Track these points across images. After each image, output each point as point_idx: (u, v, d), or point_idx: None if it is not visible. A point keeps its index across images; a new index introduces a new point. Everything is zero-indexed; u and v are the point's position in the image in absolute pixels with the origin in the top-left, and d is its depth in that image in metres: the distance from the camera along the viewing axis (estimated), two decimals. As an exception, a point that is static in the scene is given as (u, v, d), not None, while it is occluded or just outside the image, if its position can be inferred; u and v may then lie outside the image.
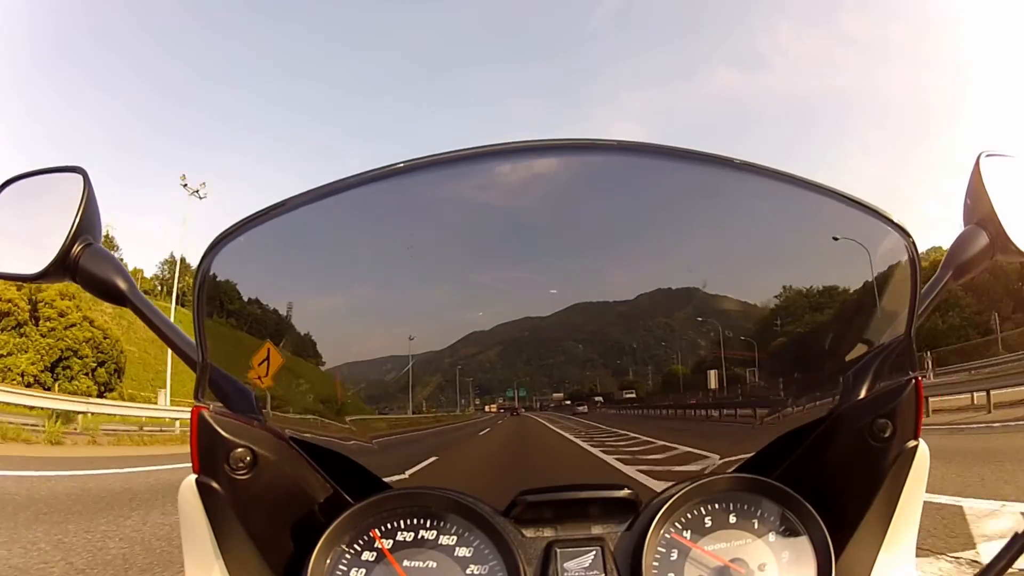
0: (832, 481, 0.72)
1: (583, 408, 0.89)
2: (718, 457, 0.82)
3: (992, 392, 14.45)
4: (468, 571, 0.67)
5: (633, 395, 0.87)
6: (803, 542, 0.70)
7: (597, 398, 0.88)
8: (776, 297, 0.77)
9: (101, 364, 30.76)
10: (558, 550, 0.68)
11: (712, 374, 0.84)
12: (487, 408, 0.88)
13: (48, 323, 29.09)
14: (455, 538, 0.68)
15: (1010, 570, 0.69)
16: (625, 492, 0.72)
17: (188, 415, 0.64)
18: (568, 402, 0.89)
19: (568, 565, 0.67)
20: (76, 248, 0.77)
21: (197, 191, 38.00)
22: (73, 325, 29.61)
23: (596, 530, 0.72)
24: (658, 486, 0.75)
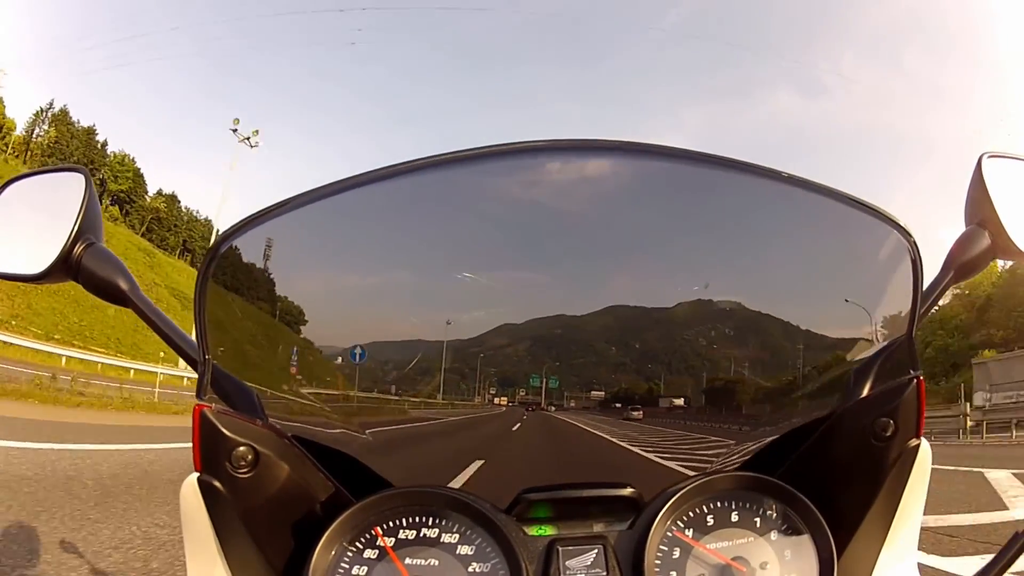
0: (834, 480, 0.72)
1: (637, 413, 0.83)
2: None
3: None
4: (470, 569, 0.67)
5: (682, 403, 0.83)
6: (805, 540, 0.70)
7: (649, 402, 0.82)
8: (787, 299, 0.77)
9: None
10: (560, 548, 0.68)
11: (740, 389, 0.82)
12: (496, 401, 0.83)
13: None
14: (457, 536, 0.68)
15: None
16: (627, 491, 0.73)
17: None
18: (618, 404, 0.81)
19: (570, 563, 0.67)
20: (78, 248, 0.77)
21: (248, 139, 38.88)
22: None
23: (598, 528, 0.72)
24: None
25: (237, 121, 39.01)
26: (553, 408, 0.81)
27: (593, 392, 0.82)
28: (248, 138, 39.47)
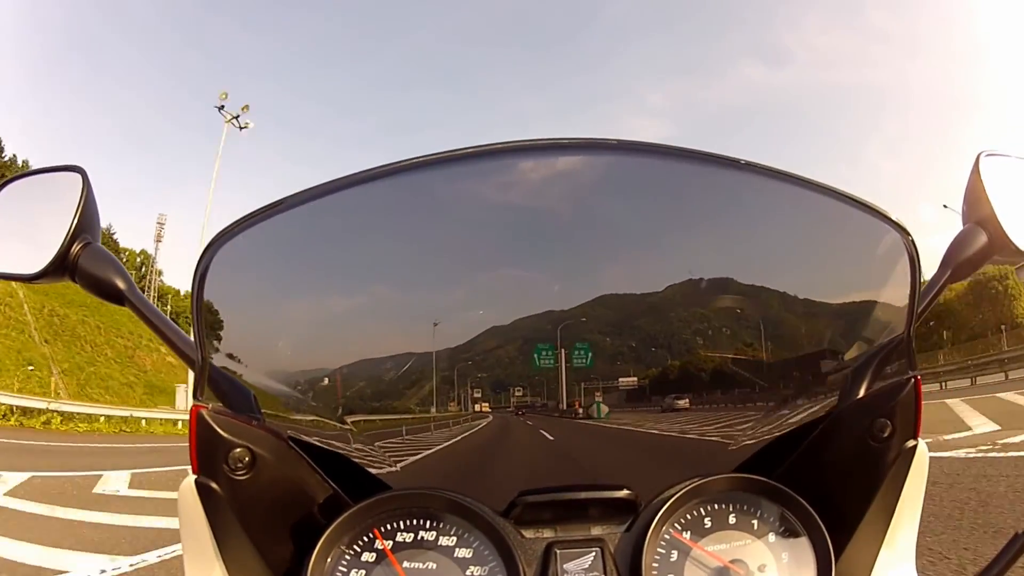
0: (832, 481, 0.72)
1: (683, 402, 0.75)
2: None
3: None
4: (468, 572, 0.66)
5: (729, 385, 0.76)
6: (803, 543, 0.70)
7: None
8: (778, 296, 0.77)
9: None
10: (558, 551, 0.68)
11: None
12: (477, 408, 0.79)
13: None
14: (455, 539, 0.68)
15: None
16: (625, 493, 0.72)
17: None
18: (653, 395, 0.72)
19: (568, 566, 0.67)
20: (75, 248, 0.77)
21: (236, 118, 31.97)
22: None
23: (596, 531, 0.72)
24: None
25: (224, 95, 31.12)
26: (605, 410, 0.70)
27: (622, 379, 0.73)
28: (236, 117, 31.33)
